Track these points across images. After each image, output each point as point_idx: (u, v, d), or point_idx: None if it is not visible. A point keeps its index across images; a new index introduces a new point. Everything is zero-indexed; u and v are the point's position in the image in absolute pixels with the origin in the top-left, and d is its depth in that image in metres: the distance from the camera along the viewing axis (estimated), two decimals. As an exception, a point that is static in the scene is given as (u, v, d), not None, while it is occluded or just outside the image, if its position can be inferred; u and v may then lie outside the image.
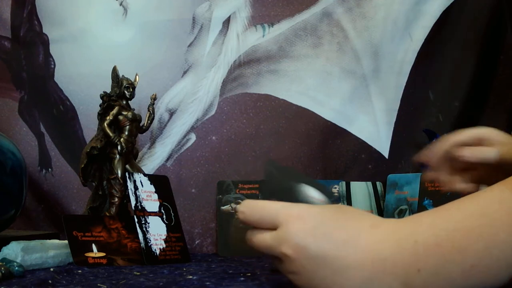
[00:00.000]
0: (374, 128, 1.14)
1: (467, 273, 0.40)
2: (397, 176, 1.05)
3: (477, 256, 0.39)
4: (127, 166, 0.97)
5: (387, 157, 1.13)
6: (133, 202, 0.87)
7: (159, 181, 0.94)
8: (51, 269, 0.72)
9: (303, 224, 0.44)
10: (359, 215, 0.46)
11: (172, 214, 0.92)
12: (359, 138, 1.14)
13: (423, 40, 1.14)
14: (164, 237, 0.88)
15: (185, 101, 1.15)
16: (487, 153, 0.66)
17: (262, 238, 0.47)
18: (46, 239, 0.82)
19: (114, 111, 0.97)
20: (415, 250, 0.41)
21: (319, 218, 0.45)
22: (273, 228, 0.46)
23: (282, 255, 0.45)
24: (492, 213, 0.40)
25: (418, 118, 1.15)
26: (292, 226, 0.45)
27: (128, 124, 0.98)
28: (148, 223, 0.87)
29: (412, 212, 1.00)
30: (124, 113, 0.98)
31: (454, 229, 0.41)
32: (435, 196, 0.98)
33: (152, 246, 0.85)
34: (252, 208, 0.49)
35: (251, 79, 1.15)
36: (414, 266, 0.41)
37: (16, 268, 0.67)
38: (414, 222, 0.43)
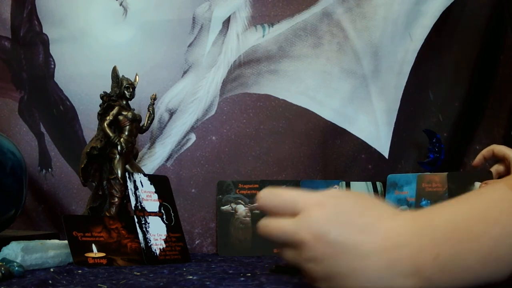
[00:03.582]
0: (374, 128, 1.14)
1: (483, 261, 0.40)
2: (397, 176, 1.05)
3: (493, 243, 0.40)
4: (127, 166, 0.97)
5: (387, 157, 1.13)
6: (133, 202, 0.87)
7: (159, 181, 0.94)
8: (51, 269, 0.72)
9: (324, 210, 0.45)
10: (379, 204, 0.46)
11: (172, 214, 0.92)
12: (359, 138, 1.14)
13: (423, 40, 1.14)
14: (164, 237, 0.88)
15: (185, 101, 1.15)
16: None
17: (280, 224, 0.47)
18: (46, 239, 0.82)
19: (114, 111, 0.97)
20: (432, 236, 0.41)
21: (340, 206, 0.45)
22: (291, 215, 0.46)
23: (300, 242, 0.45)
24: (510, 200, 0.40)
25: (418, 118, 1.15)
26: (313, 212, 0.45)
27: (128, 124, 0.98)
28: (148, 223, 0.87)
29: (412, 212, 0.99)
30: (124, 113, 0.98)
31: (472, 216, 0.41)
32: (432, 197, 0.99)
33: (152, 246, 0.85)
34: (271, 194, 0.49)
35: (251, 79, 1.15)
36: (431, 253, 0.41)
37: (16, 268, 0.67)
38: (433, 211, 0.44)
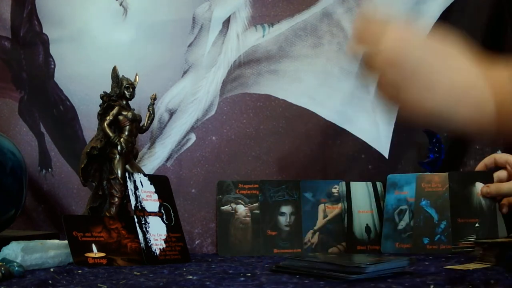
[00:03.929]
0: (374, 128, 1.14)
1: None
2: (397, 176, 1.05)
3: None
4: (127, 166, 0.97)
5: (387, 157, 1.13)
6: (133, 202, 0.87)
7: (159, 181, 0.94)
8: (51, 269, 0.72)
9: (403, 43, 0.52)
10: (457, 51, 0.54)
11: (172, 214, 0.92)
12: (359, 138, 1.13)
13: (423, 40, 1.14)
14: (164, 237, 0.88)
15: (185, 101, 1.15)
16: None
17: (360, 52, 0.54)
18: (46, 239, 0.83)
19: (114, 111, 0.97)
20: (495, 85, 0.50)
21: (420, 43, 0.53)
22: (376, 41, 0.53)
23: (381, 66, 0.51)
24: None
25: (418, 118, 1.15)
26: (393, 40, 0.51)
27: (128, 124, 0.98)
28: (148, 223, 0.87)
29: (412, 212, 1.00)
30: (124, 113, 0.98)
31: None
32: (432, 197, 0.99)
33: (152, 246, 0.85)
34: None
35: (251, 79, 1.15)
36: (493, 99, 0.50)
37: (16, 268, 0.67)
38: (495, 70, 0.52)
